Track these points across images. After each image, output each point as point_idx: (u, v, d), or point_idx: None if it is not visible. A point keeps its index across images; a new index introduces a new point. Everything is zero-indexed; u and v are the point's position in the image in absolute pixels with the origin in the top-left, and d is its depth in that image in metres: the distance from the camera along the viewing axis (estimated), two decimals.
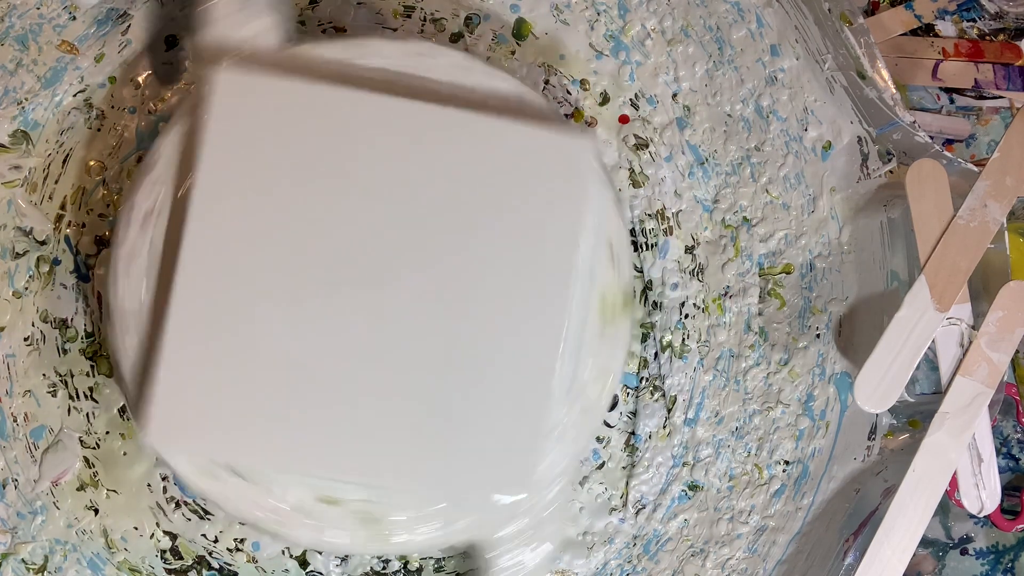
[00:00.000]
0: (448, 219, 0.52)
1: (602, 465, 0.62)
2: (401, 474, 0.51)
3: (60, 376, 0.58)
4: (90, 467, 0.59)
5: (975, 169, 0.59)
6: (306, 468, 0.52)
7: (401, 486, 0.52)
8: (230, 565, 0.59)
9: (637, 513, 0.62)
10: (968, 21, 0.67)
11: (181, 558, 0.59)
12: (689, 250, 0.63)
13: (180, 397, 0.50)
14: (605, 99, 0.62)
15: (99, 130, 0.59)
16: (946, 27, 0.67)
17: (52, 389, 0.58)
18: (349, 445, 0.51)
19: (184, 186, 0.52)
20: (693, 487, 0.62)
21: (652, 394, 0.62)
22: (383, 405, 0.51)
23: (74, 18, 0.58)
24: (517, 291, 0.52)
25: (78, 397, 0.59)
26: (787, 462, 0.63)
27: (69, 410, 0.58)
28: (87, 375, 0.59)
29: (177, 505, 0.59)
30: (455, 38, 0.61)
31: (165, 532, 0.59)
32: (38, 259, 0.58)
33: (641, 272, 0.62)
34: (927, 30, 0.67)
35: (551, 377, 0.52)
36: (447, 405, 0.51)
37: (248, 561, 0.59)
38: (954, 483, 0.58)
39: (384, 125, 0.52)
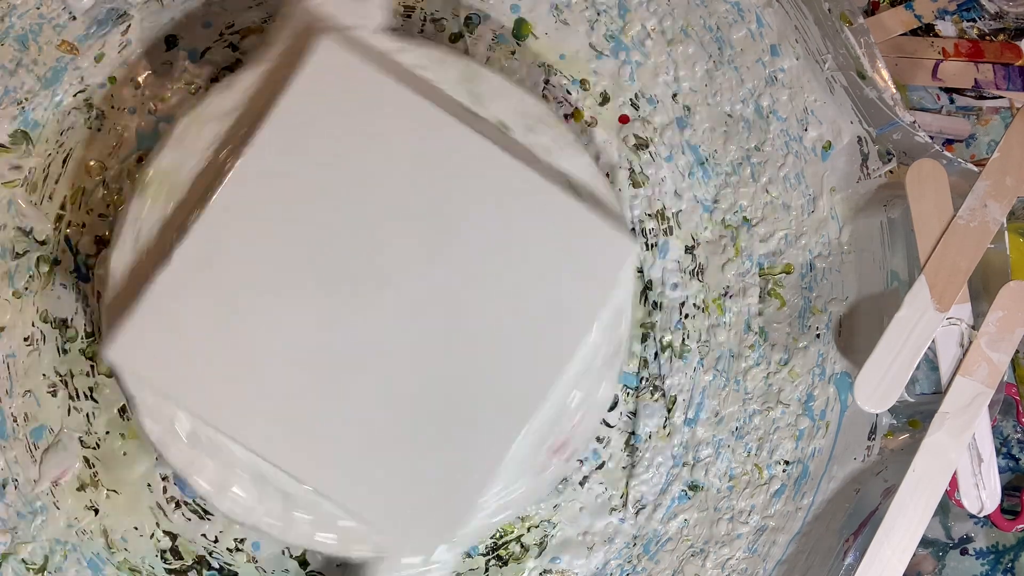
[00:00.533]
0: (473, 261, 0.52)
1: (602, 465, 0.62)
2: (338, 480, 0.51)
3: (60, 376, 0.58)
4: (90, 467, 0.59)
5: (975, 169, 0.59)
6: (252, 444, 0.51)
7: (332, 491, 0.52)
8: (230, 565, 0.59)
9: (637, 513, 0.62)
10: (968, 21, 0.67)
11: (181, 558, 0.59)
12: (689, 250, 0.63)
13: (157, 328, 0.50)
14: (605, 99, 0.62)
15: (99, 130, 0.59)
16: (946, 27, 0.67)
17: (52, 389, 0.58)
18: (306, 439, 0.51)
19: (231, 143, 0.52)
20: (693, 487, 0.62)
21: (652, 394, 0.62)
22: (351, 409, 0.51)
23: (74, 18, 0.58)
24: (515, 348, 0.52)
25: (78, 397, 0.59)
26: (787, 462, 0.63)
27: (69, 410, 0.58)
28: (87, 375, 0.59)
29: (177, 505, 0.59)
30: (455, 38, 0.61)
31: (165, 532, 0.59)
32: (38, 259, 0.58)
33: (641, 272, 0.62)
34: (927, 30, 0.67)
35: (514, 440, 0.52)
36: (412, 429, 0.51)
37: (248, 561, 0.60)
38: (954, 483, 0.58)
39: (444, 146, 0.51)
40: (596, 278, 0.53)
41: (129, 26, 0.59)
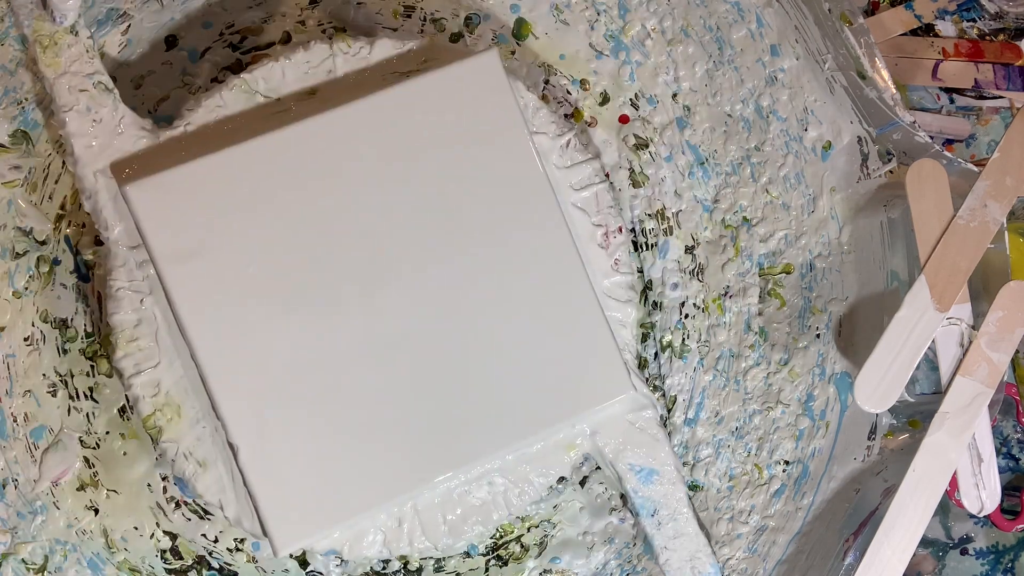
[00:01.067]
0: (412, 198, 0.52)
1: None
2: (511, 434, 0.52)
3: (60, 376, 0.58)
4: (90, 467, 0.59)
5: (975, 169, 0.59)
6: (429, 477, 0.52)
7: (517, 443, 0.53)
8: (230, 565, 0.59)
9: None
10: (968, 21, 0.67)
11: (181, 558, 0.59)
12: (689, 250, 0.63)
13: (282, 495, 0.51)
14: (605, 99, 0.62)
15: None
16: (946, 27, 0.67)
17: (52, 389, 0.58)
18: (446, 441, 0.52)
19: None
20: (693, 487, 0.62)
21: (652, 394, 0.62)
22: (452, 383, 0.52)
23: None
24: (510, 225, 0.52)
25: (78, 397, 0.59)
26: (787, 462, 0.63)
27: (69, 410, 0.58)
28: (87, 375, 0.59)
29: (177, 505, 0.59)
30: (455, 38, 0.61)
31: (165, 532, 0.59)
32: (38, 259, 0.58)
33: (641, 272, 0.62)
34: (927, 30, 0.67)
35: (587, 279, 0.53)
36: (509, 353, 0.52)
37: (248, 561, 0.59)
38: (954, 483, 0.58)
39: (304, 150, 0.52)
40: (496, 102, 0.53)
41: (129, 26, 0.59)
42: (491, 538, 0.61)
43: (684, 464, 0.62)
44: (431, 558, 0.61)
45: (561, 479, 0.60)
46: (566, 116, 0.62)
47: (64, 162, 0.58)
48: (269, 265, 0.51)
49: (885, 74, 0.60)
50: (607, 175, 0.62)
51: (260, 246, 0.51)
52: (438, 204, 0.52)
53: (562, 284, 0.53)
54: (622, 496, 0.62)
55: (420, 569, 0.61)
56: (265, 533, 0.51)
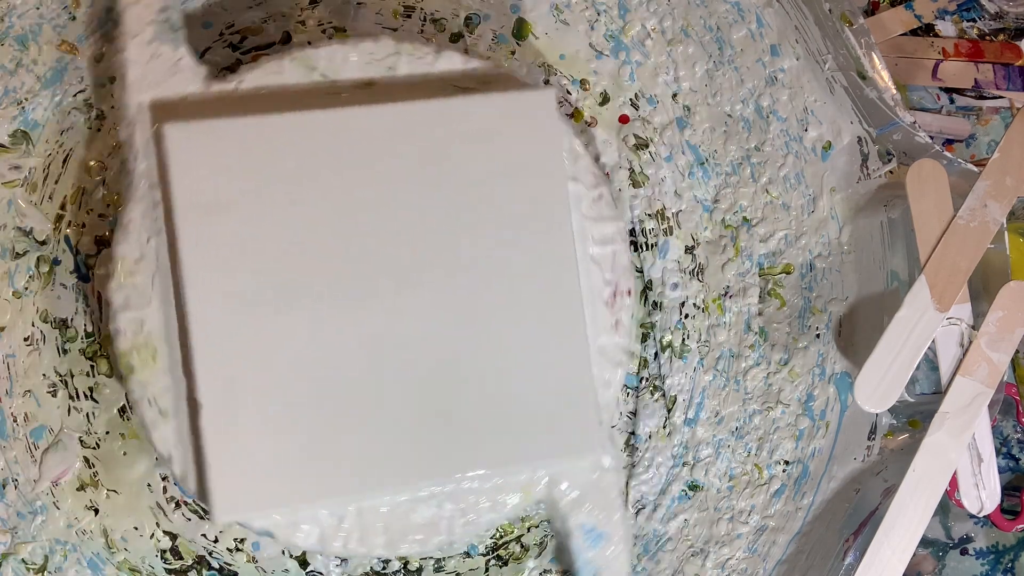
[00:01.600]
0: (436, 208, 0.52)
1: None
2: (476, 463, 0.52)
3: (60, 376, 0.58)
4: (90, 467, 0.59)
5: (975, 169, 0.59)
6: (381, 486, 0.52)
7: (479, 470, 0.52)
8: (230, 565, 0.59)
9: (637, 513, 0.62)
10: (968, 21, 0.67)
11: (181, 558, 0.59)
12: (689, 250, 0.63)
13: (235, 465, 0.50)
14: (605, 99, 0.62)
15: (99, 130, 0.59)
16: (946, 27, 0.67)
17: (52, 389, 0.58)
18: (416, 451, 0.51)
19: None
20: (693, 487, 0.62)
21: (652, 394, 0.62)
22: (430, 401, 0.51)
23: (74, 18, 0.58)
24: (522, 258, 0.52)
25: (78, 397, 0.59)
26: (787, 462, 0.63)
27: (69, 410, 0.58)
28: (87, 375, 0.59)
29: (177, 505, 0.59)
30: (455, 38, 0.61)
31: (165, 532, 0.59)
32: (38, 259, 0.58)
33: (641, 272, 0.62)
34: (927, 30, 0.67)
35: (584, 330, 0.52)
36: (491, 385, 0.52)
37: (248, 561, 0.59)
38: (954, 483, 0.58)
39: (345, 136, 0.52)
40: (541, 140, 0.53)
41: None
42: (491, 538, 0.61)
43: (684, 464, 0.62)
44: (431, 558, 0.61)
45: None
46: (567, 116, 0.62)
47: (64, 160, 0.58)
48: (281, 241, 0.51)
49: (885, 74, 0.60)
50: (631, 232, 0.62)
51: (278, 218, 0.51)
52: (460, 221, 0.52)
53: (559, 331, 0.52)
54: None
55: (420, 569, 0.61)
56: (206, 497, 0.50)
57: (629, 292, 0.55)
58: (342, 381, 0.51)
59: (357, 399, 0.51)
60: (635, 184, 0.62)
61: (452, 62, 0.55)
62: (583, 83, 0.62)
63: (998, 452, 0.63)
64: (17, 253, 0.58)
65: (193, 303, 0.50)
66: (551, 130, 0.53)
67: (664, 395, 0.62)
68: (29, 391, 0.58)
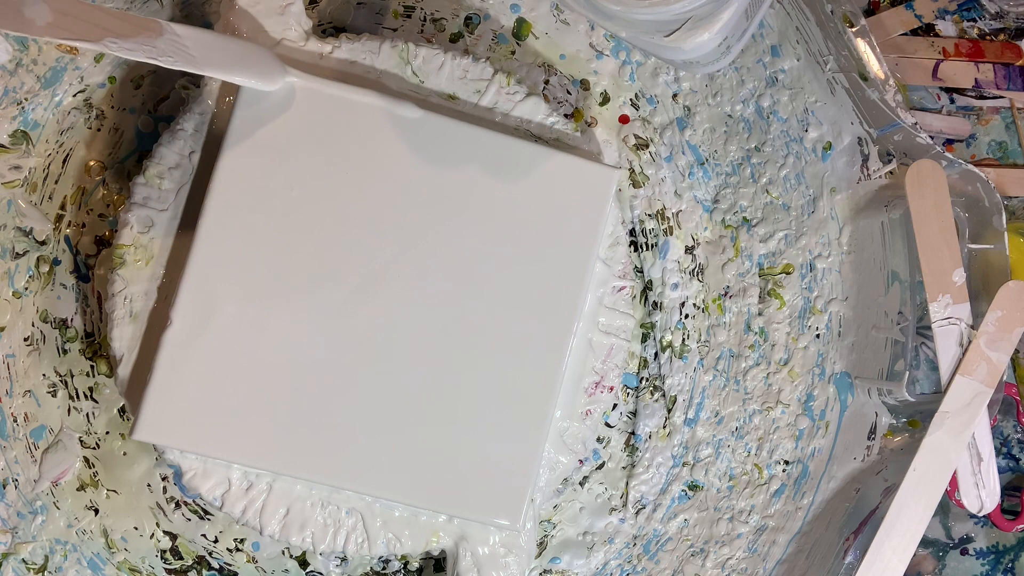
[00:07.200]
0: (467, 234, 0.53)
1: (602, 465, 0.62)
2: (399, 488, 0.52)
3: (60, 376, 0.58)
4: (90, 467, 0.59)
5: (975, 169, 0.59)
6: (304, 473, 0.52)
7: (398, 499, 0.53)
8: (230, 565, 0.59)
9: (637, 513, 0.62)
10: (968, 21, 0.67)
11: (181, 558, 0.59)
12: (689, 250, 0.63)
13: (175, 393, 0.50)
14: (605, 99, 0.62)
15: (99, 130, 0.59)
16: (946, 27, 0.67)
17: (52, 389, 0.58)
18: (351, 455, 0.52)
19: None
20: (693, 487, 0.62)
21: (652, 394, 0.62)
22: (387, 414, 0.52)
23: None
24: (521, 315, 0.53)
25: (78, 397, 0.59)
26: (787, 462, 0.63)
27: (69, 410, 0.58)
28: (87, 375, 0.59)
29: (177, 505, 0.59)
30: (455, 38, 0.61)
31: (165, 532, 0.59)
32: (38, 259, 0.58)
33: (641, 272, 0.62)
34: (927, 30, 0.67)
35: (550, 411, 0.53)
36: (450, 420, 0.52)
37: (248, 561, 0.60)
38: (954, 483, 0.58)
39: (412, 137, 0.53)
40: (586, 212, 0.54)
41: None
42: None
43: (684, 464, 0.62)
44: (432, 558, 0.61)
45: (403, 558, 0.60)
46: (566, 116, 0.62)
47: (64, 160, 0.58)
48: (307, 206, 0.52)
49: (887, 75, 0.60)
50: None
51: (313, 185, 0.52)
52: (479, 256, 0.53)
53: (527, 401, 0.53)
54: (622, 496, 0.62)
55: (420, 569, 0.61)
56: (136, 409, 0.51)
57: (612, 389, 0.56)
58: (309, 365, 0.51)
59: (316, 387, 0.51)
60: (635, 184, 0.62)
61: (534, 108, 0.56)
62: (583, 83, 0.62)
63: (998, 452, 0.63)
64: (17, 253, 0.58)
65: (205, 227, 0.51)
66: (600, 207, 0.54)
67: (664, 395, 0.62)
68: (29, 391, 0.58)
